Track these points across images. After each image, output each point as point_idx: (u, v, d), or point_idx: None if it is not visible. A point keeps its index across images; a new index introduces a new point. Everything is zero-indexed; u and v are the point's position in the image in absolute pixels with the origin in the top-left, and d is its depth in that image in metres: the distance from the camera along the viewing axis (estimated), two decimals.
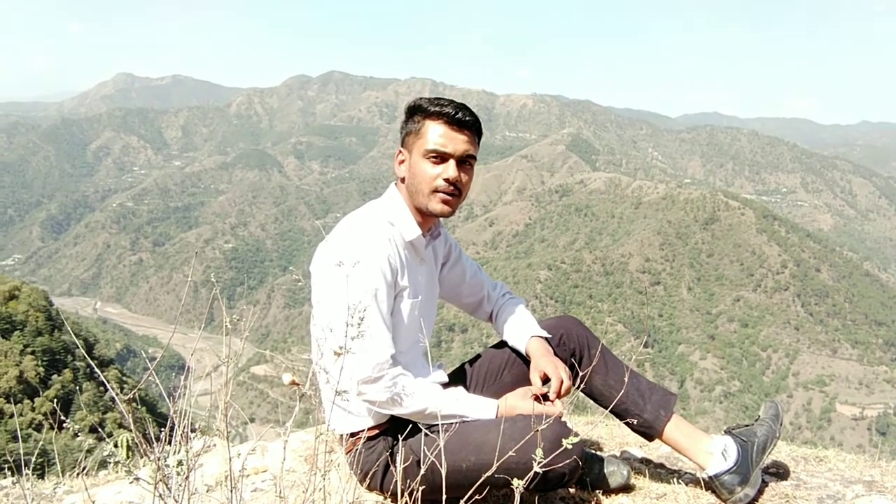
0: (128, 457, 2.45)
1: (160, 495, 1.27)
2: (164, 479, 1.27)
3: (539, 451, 1.35)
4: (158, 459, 1.26)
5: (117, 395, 1.26)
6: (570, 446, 1.45)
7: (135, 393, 1.17)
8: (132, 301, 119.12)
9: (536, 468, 1.34)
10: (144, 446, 1.29)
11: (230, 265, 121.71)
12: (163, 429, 1.40)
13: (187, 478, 1.31)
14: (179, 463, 1.29)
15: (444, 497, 1.50)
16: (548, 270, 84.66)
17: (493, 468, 1.47)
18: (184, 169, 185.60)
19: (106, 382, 1.36)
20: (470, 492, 1.45)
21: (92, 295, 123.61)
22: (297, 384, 1.51)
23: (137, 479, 1.24)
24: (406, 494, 1.59)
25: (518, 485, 1.31)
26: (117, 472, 2.59)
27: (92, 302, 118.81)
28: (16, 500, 2.60)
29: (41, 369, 29.70)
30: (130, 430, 1.28)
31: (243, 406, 67.68)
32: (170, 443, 1.37)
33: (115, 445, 1.26)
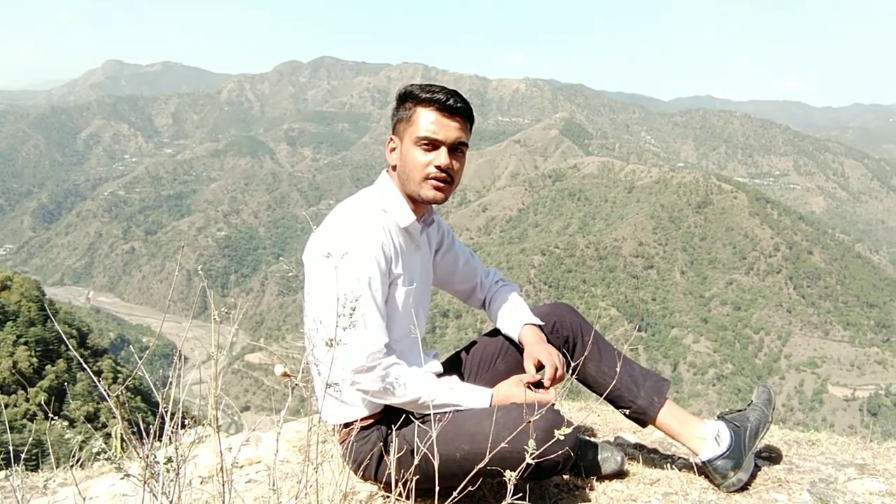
0: (122, 448, 2.45)
1: (150, 491, 1.27)
2: (154, 476, 1.27)
3: (531, 442, 1.34)
4: (147, 456, 1.25)
5: (106, 391, 1.25)
6: (562, 437, 1.45)
7: (122, 390, 1.24)
8: (125, 290, 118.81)
9: (529, 459, 1.34)
10: (134, 442, 1.29)
11: (223, 253, 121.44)
12: (157, 419, 1.37)
13: (178, 473, 1.30)
14: (169, 460, 1.28)
15: (438, 486, 1.49)
16: (541, 255, 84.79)
17: (487, 458, 1.47)
18: (175, 156, 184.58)
19: (94, 378, 1.37)
20: (464, 481, 1.45)
21: (84, 284, 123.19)
22: (289, 375, 1.52)
23: (128, 475, 1.24)
24: (400, 484, 1.59)
25: (510, 476, 1.31)
26: (111, 464, 2.58)
27: (85, 291, 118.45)
28: (9, 494, 2.59)
29: (35, 360, 29.61)
30: (124, 420, 1.26)
31: (238, 394, 67.80)
32: (160, 438, 1.35)
33: (110, 436, 1.28)
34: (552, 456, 1.67)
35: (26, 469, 3.20)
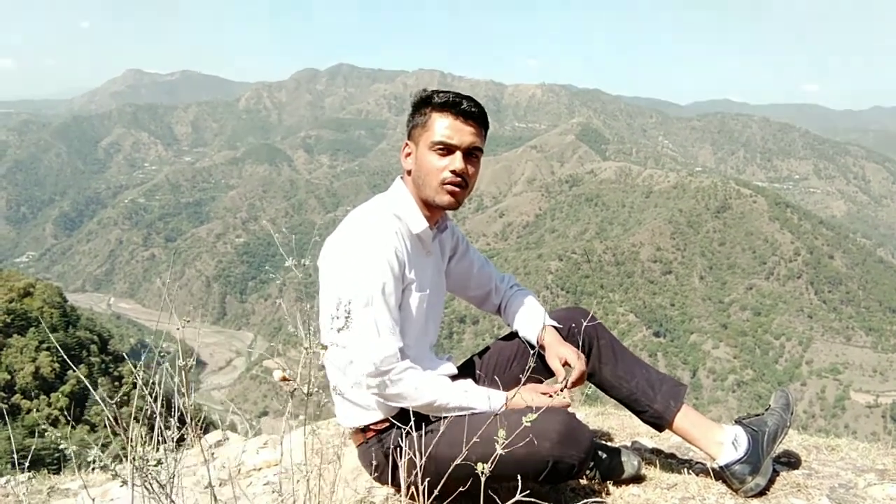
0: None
1: (153, 496, 1.28)
2: (148, 481, 1.27)
3: (546, 443, 1.39)
4: (137, 460, 1.26)
5: (106, 402, 1.29)
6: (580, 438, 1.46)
7: (118, 399, 1.25)
8: (145, 296, 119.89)
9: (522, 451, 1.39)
10: (124, 446, 1.29)
11: (242, 259, 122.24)
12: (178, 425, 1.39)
13: (173, 478, 1.31)
14: (158, 462, 1.29)
15: (452, 489, 1.51)
16: (558, 261, 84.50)
17: (491, 457, 1.40)
18: (194, 164, 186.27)
19: (97, 396, 1.37)
20: (484, 480, 1.48)
21: (105, 291, 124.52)
22: (288, 379, 1.52)
23: (125, 482, 1.25)
24: (414, 487, 1.59)
25: (482, 468, 1.31)
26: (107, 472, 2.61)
27: (106, 298, 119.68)
28: (31, 496, 2.63)
29: (56, 365, 29.98)
30: (144, 424, 1.31)
31: (257, 399, 68.23)
32: (159, 442, 1.37)
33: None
34: (568, 458, 1.68)
35: (49, 472, 3.25)
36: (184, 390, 1.40)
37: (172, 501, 1.31)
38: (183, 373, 1.40)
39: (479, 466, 1.30)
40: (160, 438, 1.37)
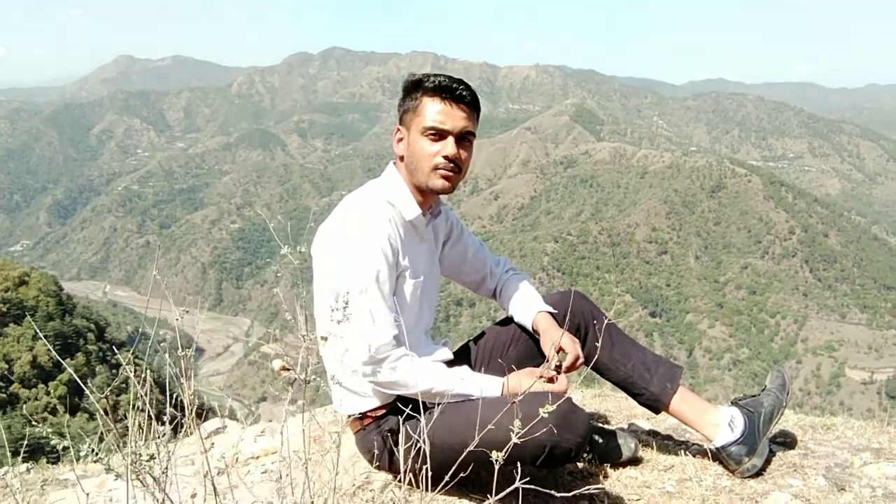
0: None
1: (148, 489, 1.28)
2: (141, 473, 1.27)
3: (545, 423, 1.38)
4: (131, 453, 1.26)
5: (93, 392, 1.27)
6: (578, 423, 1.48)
7: (108, 392, 1.25)
8: (141, 284, 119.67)
9: (512, 440, 1.36)
10: (117, 438, 1.28)
11: (237, 245, 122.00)
12: (176, 412, 1.38)
13: (166, 470, 1.30)
14: (151, 457, 1.28)
15: (449, 476, 1.51)
16: (554, 243, 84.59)
17: (473, 442, 1.48)
18: (187, 150, 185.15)
19: (87, 390, 1.37)
20: (488, 469, 1.45)
21: (101, 279, 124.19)
22: (288, 369, 1.51)
23: (118, 475, 1.24)
24: (412, 473, 1.59)
25: (497, 457, 1.31)
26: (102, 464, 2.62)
27: (101, 286, 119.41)
28: (31, 486, 2.63)
29: (54, 353, 29.98)
30: (142, 412, 1.32)
31: (255, 385, 68.47)
32: (159, 437, 1.37)
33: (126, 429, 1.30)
34: (565, 442, 1.68)
35: (47, 462, 3.25)
36: (184, 379, 1.40)
37: (166, 495, 1.30)
38: (182, 361, 1.39)
39: (494, 454, 1.31)
40: (155, 429, 1.37)
